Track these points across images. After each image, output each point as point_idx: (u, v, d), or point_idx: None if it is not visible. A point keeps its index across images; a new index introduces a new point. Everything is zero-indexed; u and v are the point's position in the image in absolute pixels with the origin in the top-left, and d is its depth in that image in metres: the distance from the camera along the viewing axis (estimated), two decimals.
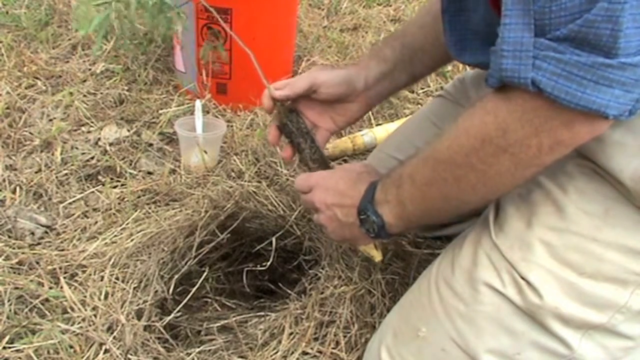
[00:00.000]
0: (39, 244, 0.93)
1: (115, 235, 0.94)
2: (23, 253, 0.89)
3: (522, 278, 0.59)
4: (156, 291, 0.82)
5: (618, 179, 0.55)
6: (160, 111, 1.32)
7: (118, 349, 0.73)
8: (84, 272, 0.86)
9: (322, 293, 0.82)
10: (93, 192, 1.06)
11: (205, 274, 0.90)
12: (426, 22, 0.82)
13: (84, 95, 1.37)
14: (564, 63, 0.47)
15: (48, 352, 0.73)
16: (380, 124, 1.37)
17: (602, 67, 0.46)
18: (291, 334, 0.78)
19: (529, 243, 0.60)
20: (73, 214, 1.00)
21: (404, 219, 0.64)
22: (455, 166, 0.57)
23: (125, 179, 1.10)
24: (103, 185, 1.08)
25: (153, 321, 0.79)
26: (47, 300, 0.81)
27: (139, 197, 1.04)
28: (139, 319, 0.78)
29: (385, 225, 0.65)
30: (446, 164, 0.58)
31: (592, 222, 0.57)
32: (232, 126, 1.29)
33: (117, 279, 0.84)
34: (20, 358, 0.72)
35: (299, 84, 0.76)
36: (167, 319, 0.80)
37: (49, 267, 0.86)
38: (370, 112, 1.43)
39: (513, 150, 0.53)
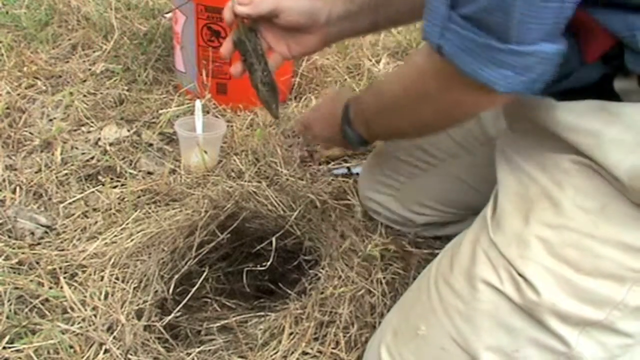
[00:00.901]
0: (39, 244, 0.93)
1: (115, 235, 0.94)
2: (23, 253, 0.89)
3: (520, 275, 0.59)
4: (156, 291, 0.82)
5: (614, 175, 0.55)
6: (160, 111, 1.32)
7: (118, 349, 0.73)
8: (84, 272, 0.86)
9: (322, 293, 0.82)
10: (93, 192, 1.06)
11: (205, 274, 0.89)
12: None
13: (84, 95, 1.37)
14: (463, 38, 0.51)
15: (48, 352, 0.73)
16: None
17: (494, 50, 0.50)
18: (291, 334, 0.78)
19: (526, 240, 0.60)
20: (73, 214, 1.00)
21: (373, 136, 0.81)
22: (395, 101, 0.69)
23: (125, 179, 1.10)
24: (103, 185, 1.08)
25: (153, 321, 0.79)
26: (47, 300, 0.81)
27: (139, 197, 1.04)
28: (139, 319, 0.78)
29: (363, 138, 0.81)
30: (390, 96, 0.71)
31: (589, 219, 0.58)
32: (232, 126, 1.29)
33: (117, 279, 0.84)
34: (20, 358, 0.72)
35: (263, 6, 0.76)
36: (167, 319, 0.80)
37: (49, 267, 0.86)
38: None
39: (430, 98, 0.62)
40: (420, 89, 0.62)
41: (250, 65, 0.79)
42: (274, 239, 0.91)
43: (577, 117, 0.57)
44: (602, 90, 0.56)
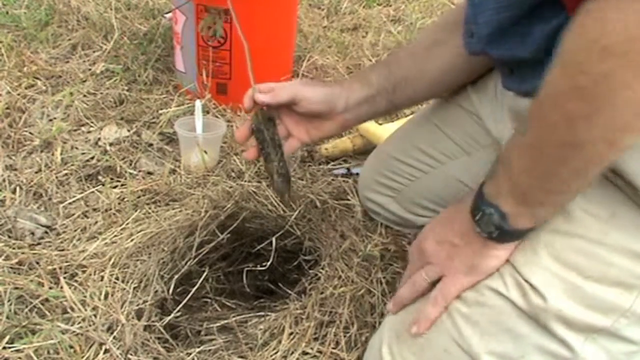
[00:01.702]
0: (39, 244, 0.93)
1: (115, 235, 0.94)
2: (23, 253, 0.89)
3: (526, 281, 0.59)
4: (156, 291, 0.82)
5: (632, 182, 0.54)
6: (160, 111, 1.32)
7: (118, 349, 0.73)
8: (84, 272, 0.86)
9: (322, 293, 0.82)
10: (93, 192, 1.06)
11: (205, 274, 0.90)
12: (416, 52, 0.83)
13: (84, 95, 1.37)
14: None
15: (48, 352, 0.73)
16: (380, 124, 1.37)
17: None
18: (291, 334, 0.78)
19: (533, 246, 0.59)
20: (73, 214, 1.00)
21: (522, 200, 0.56)
22: (561, 100, 0.48)
23: (125, 179, 1.10)
24: (103, 185, 1.08)
25: (153, 321, 0.79)
26: (47, 300, 0.81)
27: (139, 197, 1.04)
28: (139, 319, 0.78)
29: (506, 216, 0.56)
30: (550, 104, 0.49)
31: (598, 226, 0.57)
32: (232, 126, 1.29)
33: (117, 279, 0.84)
34: (20, 358, 0.72)
35: (282, 95, 0.77)
36: (167, 319, 0.80)
37: (49, 267, 0.86)
38: None
39: (623, 49, 0.42)
40: (606, 44, 0.43)
41: (266, 154, 0.79)
42: (274, 239, 0.91)
43: None
44: None
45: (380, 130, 1.27)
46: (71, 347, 0.74)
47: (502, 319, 0.60)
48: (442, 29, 0.84)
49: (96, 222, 0.98)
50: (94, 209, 1.02)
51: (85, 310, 0.78)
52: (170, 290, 0.83)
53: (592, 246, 0.57)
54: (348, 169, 1.21)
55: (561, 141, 0.50)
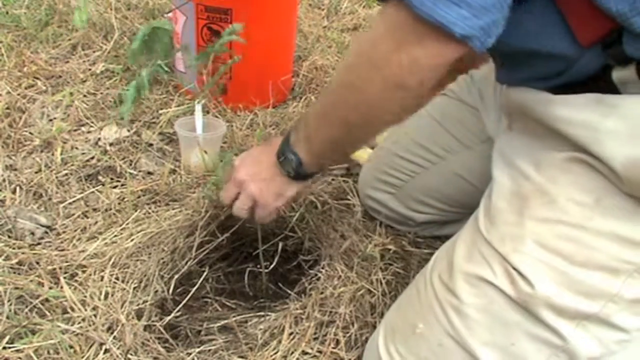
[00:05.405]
0: (39, 244, 0.93)
1: (115, 235, 0.94)
2: (23, 253, 0.89)
3: (514, 269, 0.59)
4: (156, 291, 0.82)
5: (610, 166, 0.55)
6: (160, 111, 1.32)
7: (118, 349, 0.73)
8: (84, 272, 0.86)
9: (322, 293, 0.82)
10: (93, 192, 1.06)
11: (205, 274, 0.90)
12: None
13: (84, 95, 1.37)
14: None
15: (48, 352, 0.73)
16: None
17: None
18: (291, 334, 0.78)
19: (520, 235, 0.60)
20: (73, 214, 1.00)
21: (314, 154, 0.71)
22: (341, 86, 0.63)
23: (125, 179, 1.10)
24: (103, 185, 1.08)
25: (153, 321, 0.79)
26: (47, 300, 0.81)
27: (139, 197, 1.04)
28: (139, 319, 0.78)
29: (302, 163, 0.71)
30: (335, 85, 0.65)
31: (583, 212, 0.58)
32: (232, 126, 1.29)
33: (117, 279, 0.84)
34: (20, 358, 0.72)
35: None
36: (167, 319, 0.80)
37: (49, 267, 0.86)
38: None
39: (379, 64, 0.56)
40: (370, 55, 0.57)
41: None
42: (279, 243, 0.91)
43: (574, 110, 0.58)
44: (601, 83, 0.57)
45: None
46: (71, 347, 0.74)
47: (493, 308, 0.60)
48: None
49: (96, 222, 0.98)
50: (94, 209, 1.02)
51: (85, 310, 0.78)
52: (170, 290, 0.83)
53: (577, 232, 0.58)
54: (348, 168, 1.21)
55: (339, 117, 0.64)
